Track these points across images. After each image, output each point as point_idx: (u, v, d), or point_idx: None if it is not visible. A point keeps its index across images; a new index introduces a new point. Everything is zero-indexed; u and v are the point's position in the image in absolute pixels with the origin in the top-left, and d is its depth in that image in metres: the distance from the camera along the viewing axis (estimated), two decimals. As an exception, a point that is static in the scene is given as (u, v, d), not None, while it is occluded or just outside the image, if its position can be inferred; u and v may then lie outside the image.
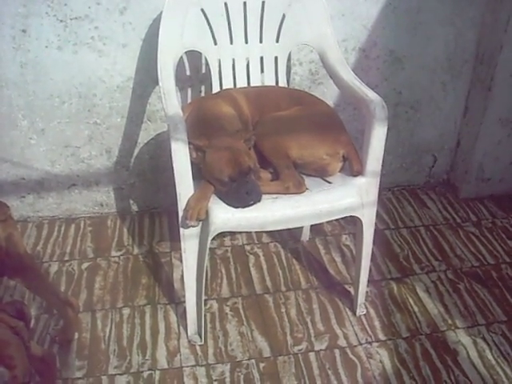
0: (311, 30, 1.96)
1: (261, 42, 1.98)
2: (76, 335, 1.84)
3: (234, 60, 1.97)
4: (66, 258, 2.21)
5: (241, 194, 1.59)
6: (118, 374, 1.73)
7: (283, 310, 1.98)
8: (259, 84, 2.01)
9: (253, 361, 1.79)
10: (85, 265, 2.18)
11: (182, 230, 1.66)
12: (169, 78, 1.77)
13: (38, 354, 1.45)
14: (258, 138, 1.72)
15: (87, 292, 2.04)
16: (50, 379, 1.53)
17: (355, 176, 1.73)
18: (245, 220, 1.61)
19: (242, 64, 1.99)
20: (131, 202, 2.48)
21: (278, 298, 2.03)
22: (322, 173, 1.76)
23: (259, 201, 1.61)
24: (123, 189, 2.43)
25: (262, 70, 2.00)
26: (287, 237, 2.33)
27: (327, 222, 2.39)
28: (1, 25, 1.99)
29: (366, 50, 2.28)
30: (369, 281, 1.96)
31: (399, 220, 2.46)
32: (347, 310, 1.98)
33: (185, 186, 1.60)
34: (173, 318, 1.94)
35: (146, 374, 1.73)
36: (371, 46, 2.28)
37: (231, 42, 1.96)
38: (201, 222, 1.62)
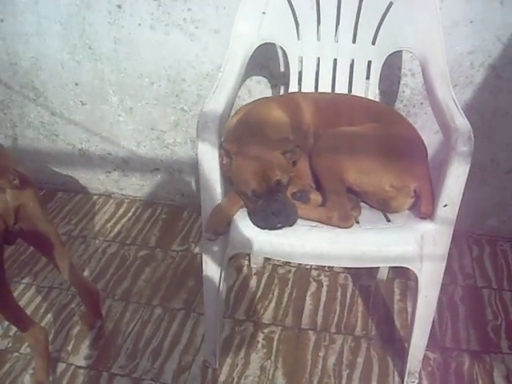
0: (415, 33, 1.62)
1: (354, 42, 1.69)
2: (98, 323, 1.78)
3: (318, 59, 1.72)
4: (128, 242, 2.17)
5: (266, 214, 1.35)
6: (119, 375, 1.63)
7: (322, 353, 1.70)
8: (345, 90, 1.73)
9: (262, 403, 1.56)
10: (142, 252, 2.11)
11: (204, 241, 1.48)
12: (231, 71, 1.58)
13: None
14: (313, 153, 1.47)
15: (131, 281, 1.97)
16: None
17: (422, 219, 1.39)
18: (268, 244, 1.39)
19: (329, 65, 1.72)
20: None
21: (322, 339, 1.75)
22: (385, 207, 1.44)
23: (290, 225, 1.37)
24: (205, 182, 2.32)
25: (351, 75, 1.72)
26: (362, 270, 2.01)
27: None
28: (99, -2, 1.98)
29: (498, 67, 1.84)
30: (437, 347, 1.61)
31: (506, 280, 1.98)
32: (395, 374, 1.63)
33: (210, 194, 1.41)
34: (200, 330, 1.78)
35: (145, 384, 1.61)
36: (505, 64, 1.83)
37: (318, 39, 1.70)
38: (220, 237, 1.43)
